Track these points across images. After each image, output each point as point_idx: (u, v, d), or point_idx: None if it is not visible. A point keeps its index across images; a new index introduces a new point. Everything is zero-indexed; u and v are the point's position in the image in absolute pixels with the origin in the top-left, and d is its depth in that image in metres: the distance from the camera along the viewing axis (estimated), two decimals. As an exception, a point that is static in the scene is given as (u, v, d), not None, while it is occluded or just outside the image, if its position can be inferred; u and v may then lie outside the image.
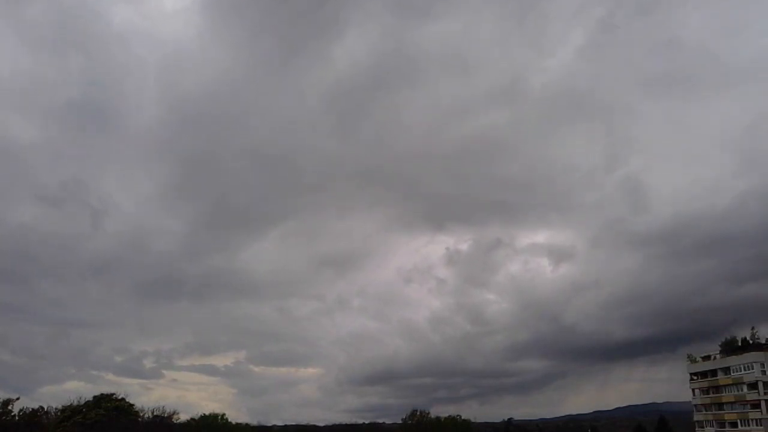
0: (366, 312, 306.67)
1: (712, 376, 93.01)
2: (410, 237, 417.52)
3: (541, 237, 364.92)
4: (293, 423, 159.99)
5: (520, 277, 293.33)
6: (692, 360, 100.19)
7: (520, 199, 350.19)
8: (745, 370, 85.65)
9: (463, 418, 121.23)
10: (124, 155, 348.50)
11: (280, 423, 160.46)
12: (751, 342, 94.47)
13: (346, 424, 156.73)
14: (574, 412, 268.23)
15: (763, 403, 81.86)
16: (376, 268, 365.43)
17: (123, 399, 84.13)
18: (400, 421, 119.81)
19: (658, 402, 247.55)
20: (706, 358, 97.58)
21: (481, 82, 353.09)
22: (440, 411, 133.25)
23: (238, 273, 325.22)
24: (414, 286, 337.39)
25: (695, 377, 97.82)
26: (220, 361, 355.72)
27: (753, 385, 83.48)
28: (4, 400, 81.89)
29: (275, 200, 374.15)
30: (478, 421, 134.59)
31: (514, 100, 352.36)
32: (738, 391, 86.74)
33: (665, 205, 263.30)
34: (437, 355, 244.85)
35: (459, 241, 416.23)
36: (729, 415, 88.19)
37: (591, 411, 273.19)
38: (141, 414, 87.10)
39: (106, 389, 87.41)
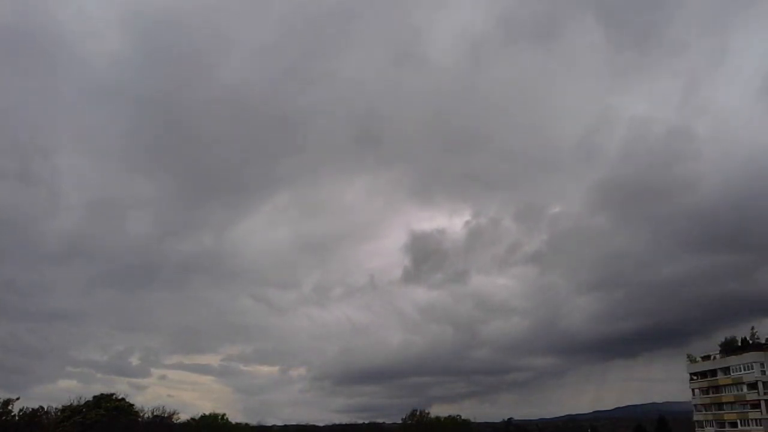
0: (360, 304, 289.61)
1: (712, 376, 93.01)
2: (405, 213, 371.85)
3: (547, 214, 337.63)
4: (293, 423, 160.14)
5: (523, 262, 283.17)
6: (692, 360, 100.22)
7: (526, 170, 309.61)
8: (744, 370, 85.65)
9: (462, 418, 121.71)
10: (72, 101, 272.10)
11: (279, 423, 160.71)
12: (750, 342, 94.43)
13: (346, 424, 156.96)
14: (574, 412, 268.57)
15: (762, 403, 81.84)
16: (368, 249, 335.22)
17: (123, 399, 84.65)
18: (400, 421, 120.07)
19: (658, 402, 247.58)
20: (706, 358, 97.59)
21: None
22: (438, 411, 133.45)
23: (220, 257, 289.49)
24: (407, 273, 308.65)
25: (695, 377, 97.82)
26: (209, 359, 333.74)
27: (753, 385, 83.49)
28: (4, 400, 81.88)
29: (259, 162, 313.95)
30: (478, 420, 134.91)
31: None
32: (738, 391, 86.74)
33: (716, 178, 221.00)
34: (433, 351, 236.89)
35: (461, 218, 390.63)
36: (729, 415, 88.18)
37: (591, 411, 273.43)
38: (141, 414, 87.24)
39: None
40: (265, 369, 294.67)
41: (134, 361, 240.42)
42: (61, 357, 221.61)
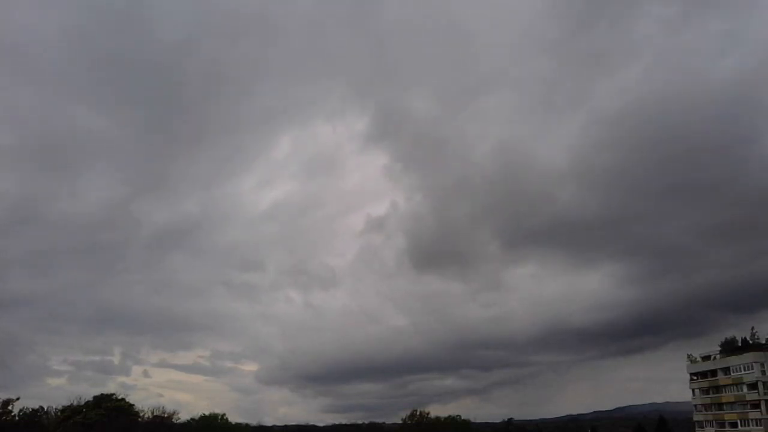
0: (353, 295, 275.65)
1: (712, 376, 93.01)
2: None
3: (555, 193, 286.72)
4: (293, 423, 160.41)
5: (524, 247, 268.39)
6: (692, 360, 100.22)
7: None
8: (745, 370, 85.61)
9: (462, 418, 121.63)
10: None
11: (278, 424, 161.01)
12: (751, 342, 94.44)
13: (346, 425, 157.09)
14: (574, 412, 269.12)
15: (763, 403, 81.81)
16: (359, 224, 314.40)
17: (123, 399, 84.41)
18: (400, 421, 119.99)
19: (658, 402, 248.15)
20: (706, 358, 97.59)
21: None
22: (438, 410, 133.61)
23: (201, 229, 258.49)
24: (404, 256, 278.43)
25: (695, 377, 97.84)
26: (196, 355, 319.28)
27: (753, 385, 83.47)
28: (4, 400, 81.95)
29: (251, 91, 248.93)
30: (478, 420, 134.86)
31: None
32: (738, 391, 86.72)
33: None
34: (431, 349, 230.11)
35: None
36: (729, 415, 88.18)
37: (591, 411, 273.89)
38: (141, 414, 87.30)
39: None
40: (254, 367, 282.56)
41: (115, 359, 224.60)
42: (37, 354, 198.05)
